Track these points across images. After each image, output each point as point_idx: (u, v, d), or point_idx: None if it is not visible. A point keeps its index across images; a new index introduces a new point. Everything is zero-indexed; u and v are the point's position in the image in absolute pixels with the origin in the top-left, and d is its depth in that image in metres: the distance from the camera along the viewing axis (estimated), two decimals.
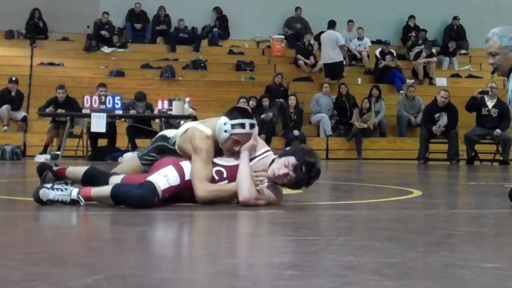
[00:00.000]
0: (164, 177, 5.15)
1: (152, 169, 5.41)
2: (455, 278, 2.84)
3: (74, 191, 5.12)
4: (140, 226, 4.42)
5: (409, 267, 3.05)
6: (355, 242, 3.78)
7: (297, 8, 22.77)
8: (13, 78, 16.92)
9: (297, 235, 4.06)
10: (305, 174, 5.19)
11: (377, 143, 17.94)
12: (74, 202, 5.06)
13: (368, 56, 21.93)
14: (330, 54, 19.80)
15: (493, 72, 5.86)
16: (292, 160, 5.20)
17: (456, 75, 22.13)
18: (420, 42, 22.89)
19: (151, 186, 5.08)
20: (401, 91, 19.96)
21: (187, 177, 5.26)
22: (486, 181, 9.79)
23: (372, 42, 22.34)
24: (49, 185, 5.12)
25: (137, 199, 5.01)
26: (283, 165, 5.20)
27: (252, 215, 4.72)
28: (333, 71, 19.93)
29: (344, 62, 20.66)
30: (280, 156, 5.33)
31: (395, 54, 21.36)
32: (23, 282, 2.60)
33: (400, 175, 11.54)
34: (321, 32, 21.12)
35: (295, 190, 5.53)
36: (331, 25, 20.44)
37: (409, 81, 20.72)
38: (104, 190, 5.14)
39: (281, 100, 18.24)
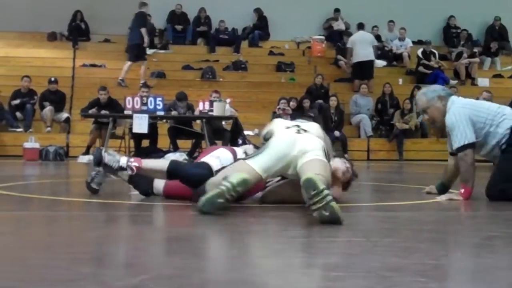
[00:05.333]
0: (216, 159, 5.28)
1: (201, 154, 5.53)
2: (500, 280, 2.81)
3: (122, 159, 5.24)
4: (183, 227, 4.45)
5: (454, 269, 3.03)
6: (399, 244, 3.76)
7: (336, 11, 22.71)
8: (52, 79, 17.09)
9: (342, 236, 4.05)
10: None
11: (419, 144, 17.81)
12: (120, 169, 5.16)
13: (409, 56, 21.80)
14: (363, 52, 19.68)
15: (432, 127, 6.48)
16: (341, 159, 5.79)
17: (499, 75, 21.92)
18: (462, 42, 22.70)
19: (207, 166, 5.22)
20: None
21: (238, 156, 5.41)
22: None
23: (413, 42, 22.19)
24: (103, 149, 5.28)
25: (195, 176, 5.19)
26: (343, 162, 5.71)
27: (296, 217, 4.72)
28: (364, 70, 19.82)
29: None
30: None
31: (437, 55, 21.21)
32: (71, 282, 2.62)
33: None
34: None
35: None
36: (361, 26, 20.41)
37: (452, 82, 20.58)
38: (158, 164, 5.28)
39: (321, 101, 18.20)
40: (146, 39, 18.02)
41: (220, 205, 4.64)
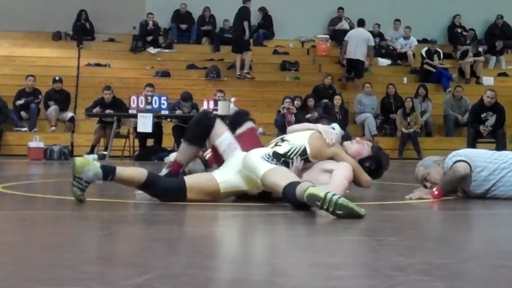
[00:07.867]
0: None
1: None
2: (508, 280, 2.81)
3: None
4: (189, 225, 4.45)
5: (460, 268, 3.03)
6: (404, 243, 3.76)
7: (339, 8, 22.69)
8: (57, 78, 17.11)
9: (346, 235, 4.05)
10: None
11: (424, 143, 17.77)
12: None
13: (413, 55, 21.78)
14: (357, 50, 19.70)
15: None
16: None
17: (503, 74, 21.89)
18: (468, 42, 22.65)
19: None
20: (448, 89, 19.80)
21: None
22: None
23: (418, 41, 22.17)
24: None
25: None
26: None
27: (301, 215, 4.72)
28: (355, 69, 19.88)
29: (368, 63, 20.68)
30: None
31: (441, 54, 21.19)
32: (76, 281, 2.62)
33: None
34: None
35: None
36: (361, 23, 20.37)
37: (455, 76, 20.61)
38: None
39: (326, 100, 18.20)
40: (247, 32, 19.07)
41: None
